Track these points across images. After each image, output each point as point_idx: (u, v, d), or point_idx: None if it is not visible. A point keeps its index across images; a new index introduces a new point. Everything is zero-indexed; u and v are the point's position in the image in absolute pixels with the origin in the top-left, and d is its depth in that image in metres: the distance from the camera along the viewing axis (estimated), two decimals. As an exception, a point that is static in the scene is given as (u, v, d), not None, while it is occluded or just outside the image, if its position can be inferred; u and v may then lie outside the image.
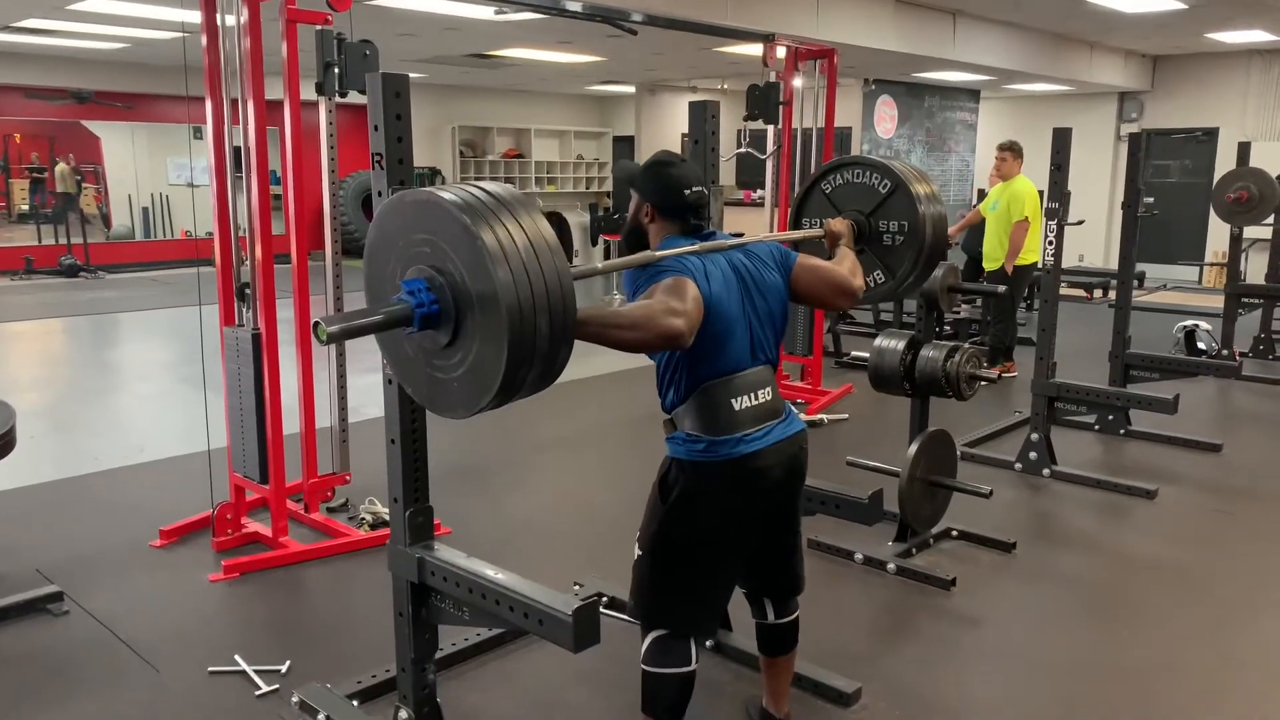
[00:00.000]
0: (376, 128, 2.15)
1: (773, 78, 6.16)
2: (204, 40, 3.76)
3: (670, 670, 2.26)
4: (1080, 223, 4.90)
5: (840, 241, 2.70)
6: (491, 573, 2.12)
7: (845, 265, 2.52)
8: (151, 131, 14.03)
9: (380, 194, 2.17)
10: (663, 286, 2.07)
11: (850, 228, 2.78)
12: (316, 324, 1.70)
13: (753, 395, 2.25)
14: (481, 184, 1.80)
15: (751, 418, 2.24)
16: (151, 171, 14.42)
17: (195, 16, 3.76)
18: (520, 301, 1.65)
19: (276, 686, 2.86)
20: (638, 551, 2.32)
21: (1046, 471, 4.79)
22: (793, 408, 2.42)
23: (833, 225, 2.75)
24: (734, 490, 2.25)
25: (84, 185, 14.45)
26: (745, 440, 2.22)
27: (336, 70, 3.90)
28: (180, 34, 8.29)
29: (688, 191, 2.27)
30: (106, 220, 14.74)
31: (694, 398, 2.23)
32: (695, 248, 2.21)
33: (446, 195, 1.73)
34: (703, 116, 2.85)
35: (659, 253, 2.17)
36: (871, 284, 2.91)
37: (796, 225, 3.12)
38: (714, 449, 2.21)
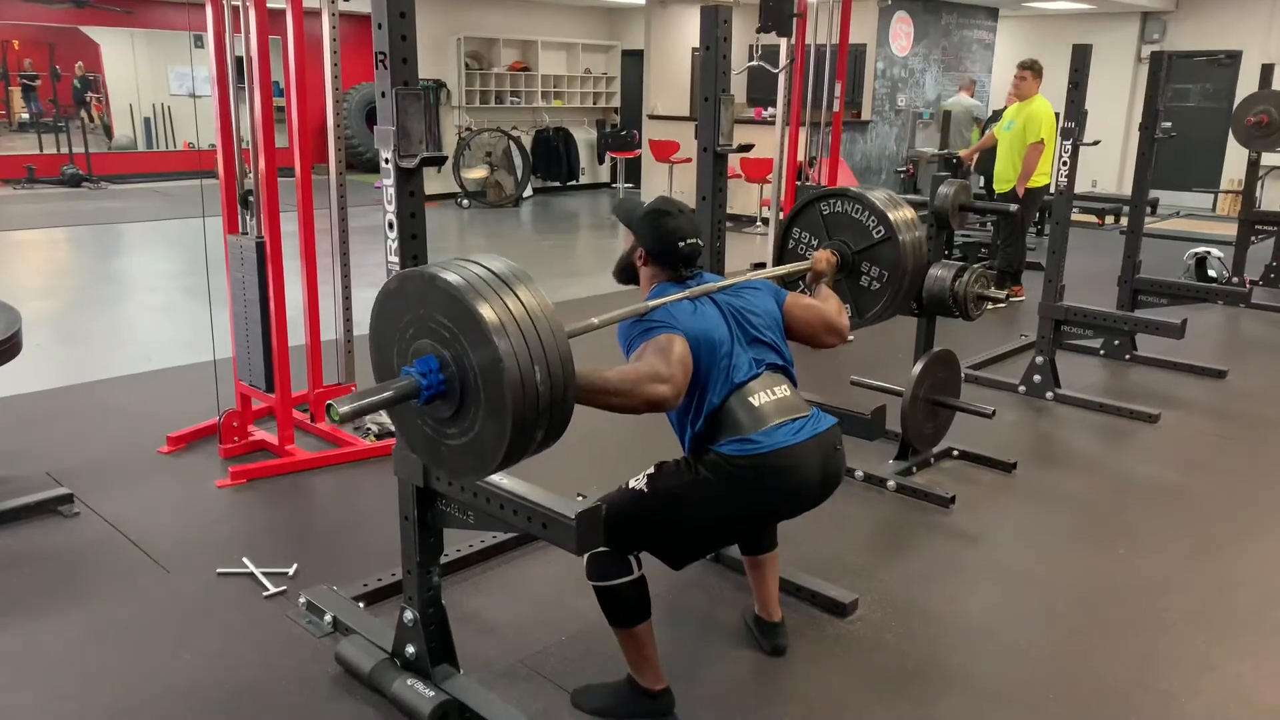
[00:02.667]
0: (380, 25, 2.09)
1: (787, -12, 5.99)
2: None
3: (618, 581, 2.24)
4: (1096, 143, 4.80)
5: (822, 280, 2.82)
6: (497, 478, 2.13)
7: (832, 305, 2.64)
8: (152, 39, 13.77)
9: (384, 94, 2.12)
10: (652, 347, 2.16)
11: (833, 265, 2.89)
12: (329, 405, 1.75)
13: (768, 392, 2.29)
14: (482, 262, 1.83)
15: (775, 410, 2.26)
16: (153, 81, 14.19)
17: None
18: (522, 377, 1.70)
19: (284, 588, 2.92)
20: (642, 486, 2.26)
21: (1050, 394, 4.80)
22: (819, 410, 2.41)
23: (818, 262, 2.86)
24: (772, 487, 2.22)
25: (92, 94, 14.25)
26: (780, 430, 2.22)
27: (339, -28, 3.80)
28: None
29: (682, 244, 2.36)
30: (108, 130, 14.57)
31: (715, 418, 2.25)
32: (684, 294, 2.29)
33: (445, 274, 1.77)
34: (714, 22, 2.79)
35: (651, 303, 2.25)
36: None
37: (786, 233, 3.23)
38: (752, 444, 2.20)
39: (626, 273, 2.50)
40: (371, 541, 3.24)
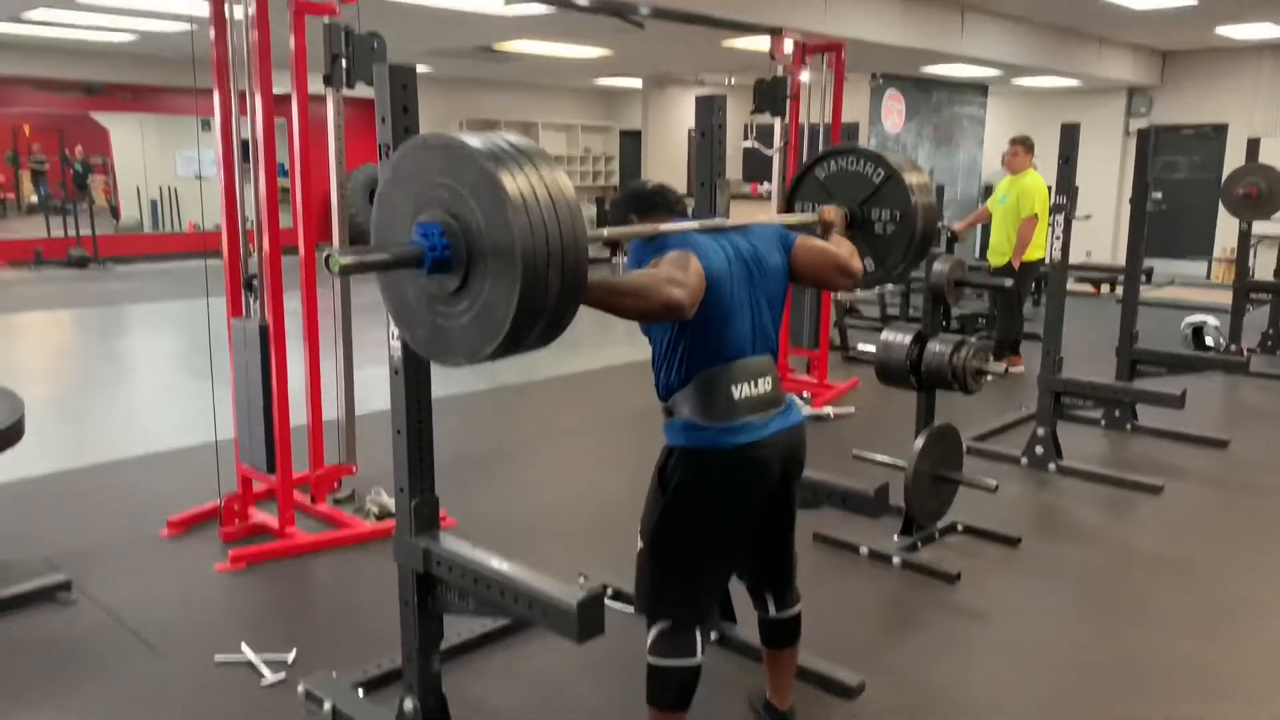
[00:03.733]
0: (384, 119, 2.15)
1: (780, 71, 6.15)
2: (212, 32, 3.77)
3: (677, 662, 2.27)
4: (1088, 217, 4.90)
5: (833, 229, 2.76)
6: (496, 563, 2.13)
7: (844, 248, 2.57)
8: (160, 124, 14.05)
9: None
10: (667, 259, 2.11)
11: (843, 216, 2.83)
12: (329, 255, 1.69)
13: (752, 384, 2.26)
14: (506, 136, 1.79)
15: (750, 406, 2.25)
16: (160, 164, 14.45)
17: (204, 9, 3.77)
18: (535, 251, 1.64)
19: (283, 676, 2.88)
20: (640, 544, 2.33)
21: (1053, 466, 4.79)
22: (795, 399, 2.42)
23: (826, 213, 2.80)
24: (733, 479, 2.25)
25: (93, 176, 14.49)
26: (745, 429, 2.23)
27: (344, 62, 3.91)
28: (189, 26, 8.30)
29: (658, 192, 2.41)
30: (115, 212, 14.79)
31: (693, 383, 2.23)
32: (698, 225, 2.26)
33: (473, 141, 1.73)
34: (710, 110, 2.86)
35: (664, 226, 2.21)
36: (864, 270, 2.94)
37: (789, 209, 3.14)
38: (713, 437, 2.21)
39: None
40: (373, 625, 3.21)
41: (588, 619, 1.92)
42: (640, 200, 2.40)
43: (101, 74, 11.67)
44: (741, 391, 2.24)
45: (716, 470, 2.24)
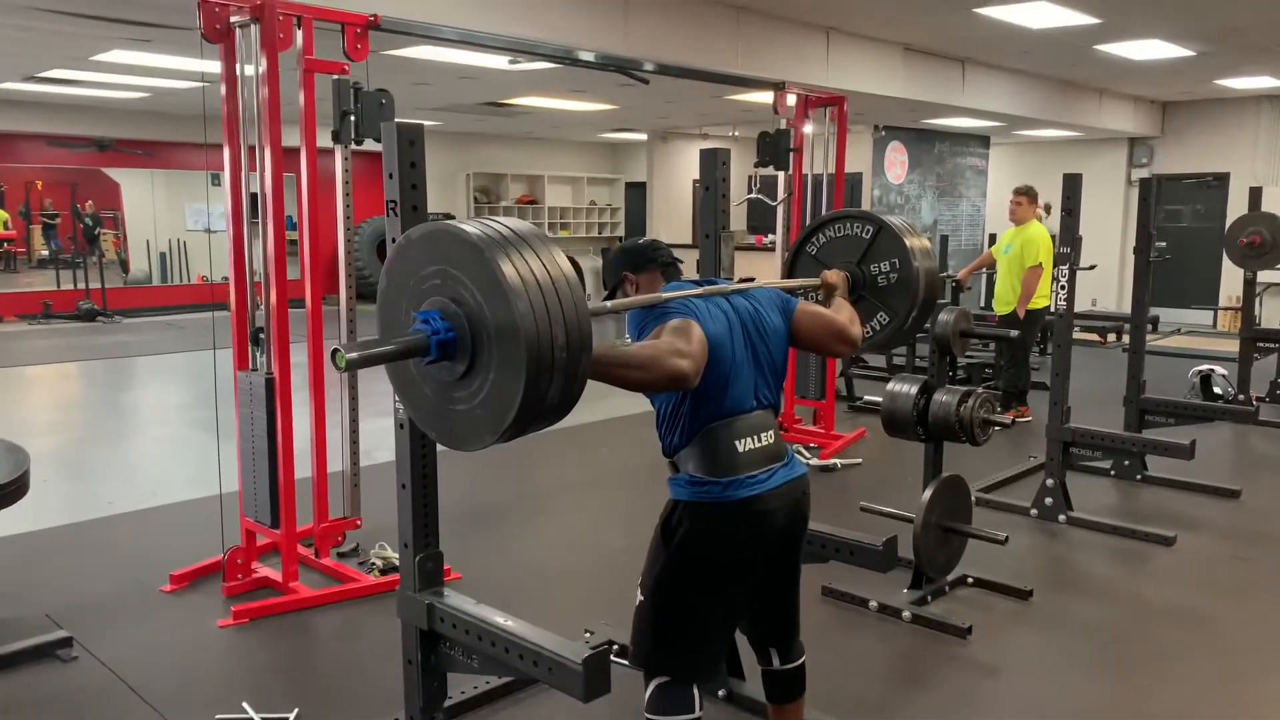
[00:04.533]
0: (391, 175, 2.17)
1: (783, 125, 6.22)
2: (223, 89, 3.83)
3: (674, 718, 2.23)
4: (1092, 267, 4.92)
5: (835, 293, 2.79)
6: (501, 620, 2.11)
7: (844, 314, 2.58)
8: (170, 178, 14.24)
9: (394, 240, 2.19)
10: (669, 328, 2.11)
11: (845, 279, 2.87)
12: (335, 351, 1.71)
13: (755, 438, 2.26)
14: (499, 219, 1.81)
15: (754, 460, 2.25)
16: (169, 217, 14.61)
17: (215, 66, 3.84)
18: (539, 332, 1.65)
19: (283, 735, 2.83)
20: (640, 597, 2.30)
21: (1062, 518, 4.74)
22: (795, 453, 2.41)
23: (829, 277, 2.84)
24: (738, 533, 2.23)
25: (102, 230, 14.65)
26: (749, 483, 2.22)
27: (353, 119, 3.97)
28: (200, 84, 8.46)
29: (650, 248, 2.43)
30: (124, 265, 14.92)
31: (697, 440, 2.23)
32: (699, 291, 2.27)
33: (465, 227, 1.75)
34: (714, 164, 2.88)
35: (665, 294, 2.22)
36: (877, 327, 2.99)
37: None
38: (718, 491, 2.21)
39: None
40: (375, 682, 3.16)
41: (594, 676, 1.89)
42: (632, 256, 2.42)
43: (113, 130, 11.86)
44: (745, 445, 2.24)
45: (722, 523, 2.22)
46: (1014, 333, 4.72)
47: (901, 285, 2.94)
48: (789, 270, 3.21)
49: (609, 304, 2.15)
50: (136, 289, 14.09)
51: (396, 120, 2.21)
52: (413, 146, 2.18)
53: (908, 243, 2.94)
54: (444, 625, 2.21)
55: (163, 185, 14.57)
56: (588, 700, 1.97)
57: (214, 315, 3.99)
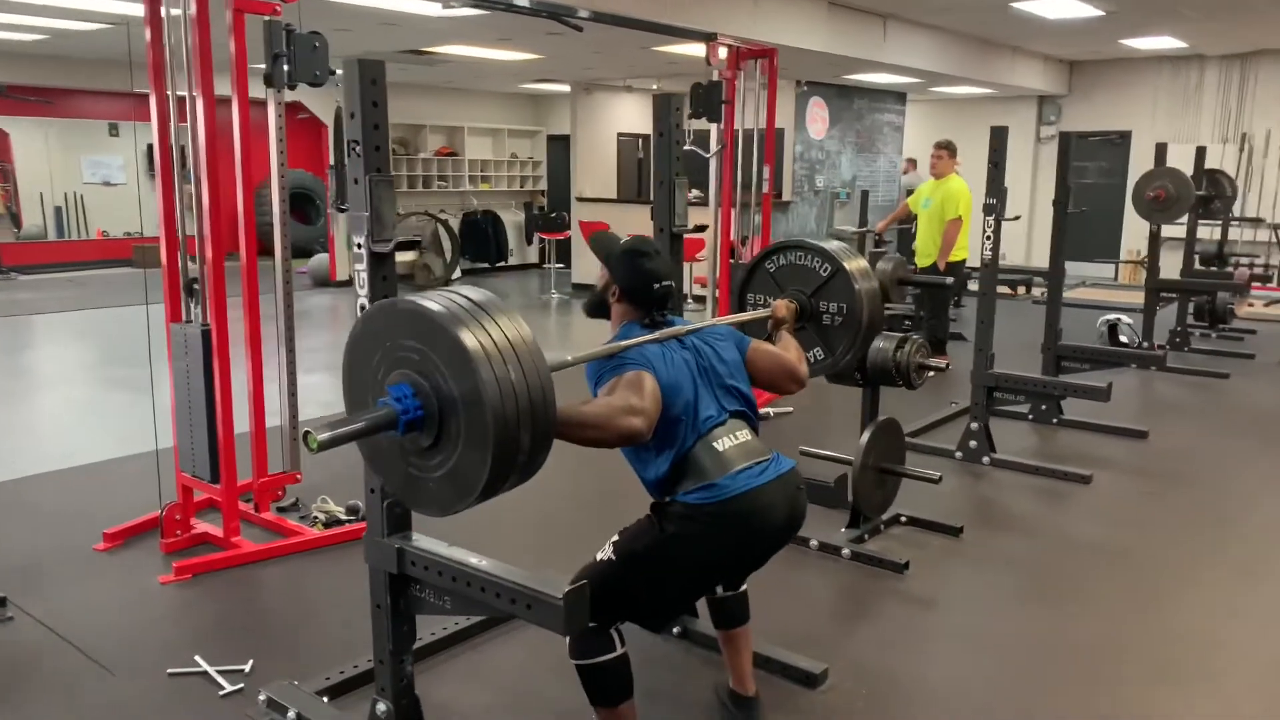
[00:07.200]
0: (353, 115, 2.13)
1: (715, 77, 6.22)
2: (148, 34, 3.66)
3: (603, 659, 2.25)
4: (1016, 218, 5.07)
5: (783, 326, 2.87)
6: (475, 560, 2.12)
7: (791, 354, 2.67)
8: (65, 128, 13.49)
9: (356, 181, 2.15)
10: (624, 381, 2.18)
11: (793, 312, 2.96)
12: (307, 433, 1.74)
13: (731, 436, 2.32)
14: (463, 291, 1.86)
15: (739, 454, 2.29)
16: (65, 170, 13.89)
17: (134, 9, 3.65)
18: (504, 403, 1.72)
19: (241, 686, 2.81)
20: (609, 555, 2.30)
21: (986, 459, 4.94)
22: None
23: (778, 309, 2.92)
24: (738, 531, 2.25)
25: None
26: (744, 474, 2.26)
27: (285, 63, 3.84)
28: (104, 25, 8.02)
29: (656, 285, 2.41)
30: (16, 220, 14.16)
31: (676, 467, 2.27)
32: (654, 337, 2.32)
33: (432, 304, 1.80)
34: (667, 110, 2.89)
35: (622, 343, 2.28)
36: (811, 360, 3.06)
37: (742, 301, 3.32)
38: (716, 490, 2.23)
39: (598, 308, 2.53)
40: (329, 633, 3.15)
41: (574, 610, 1.92)
42: (632, 281, 2.41)
43: (4, 74, 11.17)
44: (724, 444, 2.29)
45: (724, 522, 2.23)
46: (950, 279, 4.86)
47: (845, 328, 3.07)
48: (745, 280, 3.31)
49: (569, 358, 2.17)
50: (32, 244, 13.40)
51: (359, 57, 2.15)
52: (374, 85, 2.14)
53: (855, 281, 3.03)
54: (415, 568, 2.21)
55: (56, 136, 13.80)
56: (568, 634, 2.00)
57: (146, 272, 3.85)
